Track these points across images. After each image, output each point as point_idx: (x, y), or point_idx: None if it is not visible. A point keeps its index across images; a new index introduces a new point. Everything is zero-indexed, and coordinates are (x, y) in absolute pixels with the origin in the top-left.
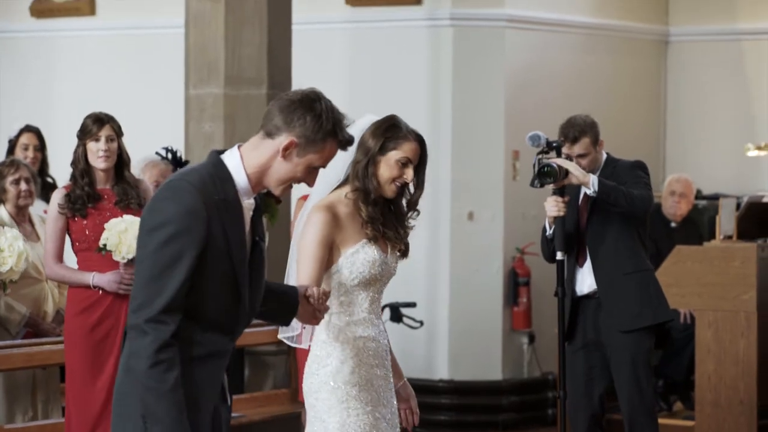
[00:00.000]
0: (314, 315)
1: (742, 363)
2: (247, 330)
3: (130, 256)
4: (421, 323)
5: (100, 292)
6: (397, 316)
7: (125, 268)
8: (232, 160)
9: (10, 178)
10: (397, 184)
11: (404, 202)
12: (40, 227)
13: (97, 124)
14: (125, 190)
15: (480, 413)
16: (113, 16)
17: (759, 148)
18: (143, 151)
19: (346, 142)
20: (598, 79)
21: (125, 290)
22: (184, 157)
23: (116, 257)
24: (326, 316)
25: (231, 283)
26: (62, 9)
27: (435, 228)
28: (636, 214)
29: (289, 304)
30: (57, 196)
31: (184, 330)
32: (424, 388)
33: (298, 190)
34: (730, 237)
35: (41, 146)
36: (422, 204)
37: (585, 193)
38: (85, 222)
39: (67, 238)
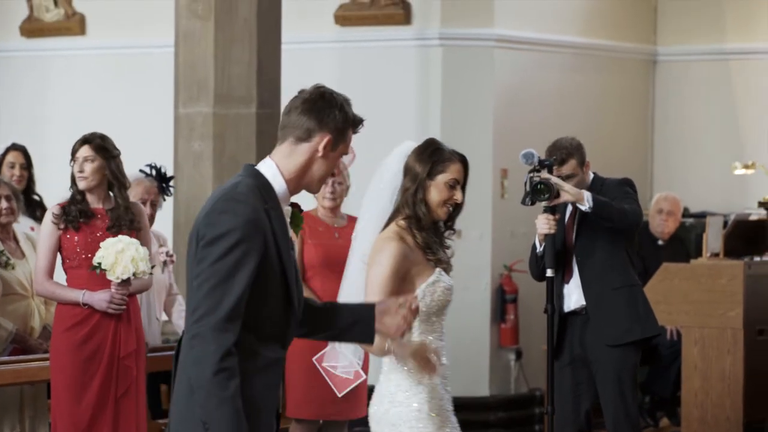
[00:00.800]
0: (398, 328)
1: (728, 380)
2: None
3: (125, 277)
4: None
5: (89, 309)
6: None
7: (117, 288)
8: (268, 170)
9: None
10: (449, 205)
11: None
12: (25, 244)
13: (77, 144)
14: (118, 215)
15: (468, 429)
16: (103, 35)
17: (746, 166)
18: (134, 170)
19: (360, 122)
20: (586, 99)
21: (115, 310)
22: (168, 174)
23: (110, 276)
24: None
25: (284, 291)
26: (52, 28)
27: None
28: (628, 228)
29: (368, 320)
30: (52, 210)
31: (243, 341)
32: None
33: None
34: (717, 255)
35: (27, 164)
36: None
37: (572, 211)
38: (76, 238)
39: (59, 256)
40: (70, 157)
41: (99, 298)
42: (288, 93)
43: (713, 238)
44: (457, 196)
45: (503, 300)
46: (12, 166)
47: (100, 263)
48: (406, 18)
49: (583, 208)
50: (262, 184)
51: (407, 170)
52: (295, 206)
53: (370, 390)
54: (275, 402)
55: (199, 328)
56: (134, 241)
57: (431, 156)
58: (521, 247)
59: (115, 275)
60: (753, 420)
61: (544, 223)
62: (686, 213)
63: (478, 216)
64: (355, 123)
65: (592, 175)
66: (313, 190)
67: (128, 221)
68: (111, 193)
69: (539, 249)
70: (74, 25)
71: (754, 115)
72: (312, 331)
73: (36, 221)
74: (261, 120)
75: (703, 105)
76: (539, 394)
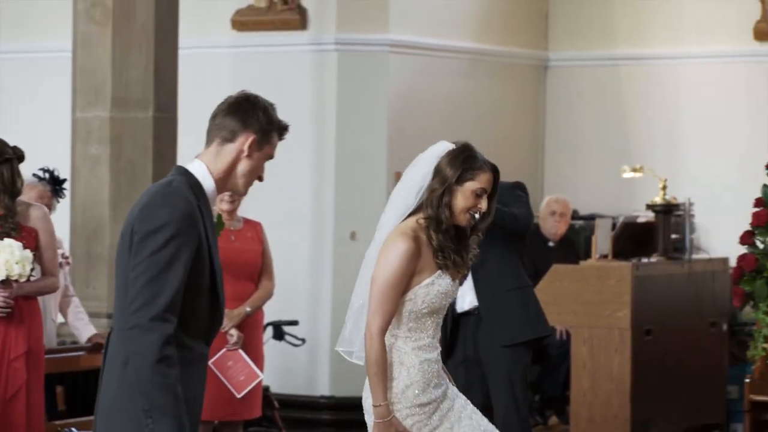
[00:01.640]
0: None
1: (616, 379)
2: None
3: (2, 277)
4: (303, 341)
5: None
6: (279, 333)
7: None
8: (198, 169)
9: None
10: (472, 213)
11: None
12: None
13: None
14: (5, 219)
15: (360, 429)
16: (1, 39)
17: (634, 170)
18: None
19: (286, 128)
20: (479, 103)
21: None
22: (62, 177)
23: None
24: (392, 339)
25: (211, 287)
26: None
27: (318, 247)
28: (518, 232)
29: None
30: None
31: (176, 334)
32: (305, 405)
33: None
34: (605, 256)
35: None
36: (306, 223)
37: None
38: None
39: None
40: None
41: None
42: (185, 97)
43: (602, 240)
44: (482, 204)
45: None
46: None
47: None
48: (302, 23)
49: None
50: (193, 182)
51: (437, 172)
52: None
53: (265, 390)
54: (202, 396)
55: (137, 318)
56: (13, 243)
57: (463, 162)
58: None
59: None
60: (640, 418)
61: None
62: (576, 215)
63: (373, 219)
64: (280, 127)
65: None
66: (240, 190)
67: (13, 225)
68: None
69: None
70: None
71: (642, 120)
72: None
73: None
74: (158, 124)
75: (593, 110)
76: None
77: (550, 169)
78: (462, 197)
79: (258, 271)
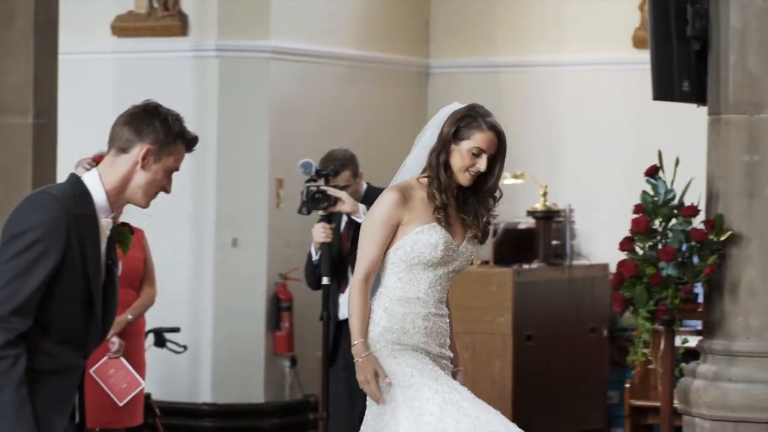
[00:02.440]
0: None
1: (497, 384)
2: None
3: None
4: (185, 348)
5: None
6: (160, 341)
7: None
8: (90, 178)
9: None
10: (471, 172)
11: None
12: None
13: None
14: None
15: None
16: None
17: (515, 176)
18: None
19: (192, 140)
20: (361, 110)
21: None
22: None
23: None
24: (382, 289)
25: (85, 299)
26: None
27: (199, 254)
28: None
29: None
30: None
31: (35, 339)
32: (187, 412)
33: None
34: (486, 262)
35: None
36: (187, 230)
37: (347, 220)
38: None
39: None
40: None
41: None
42: (65, 104)
43: (483, 246)
44: (480, 164)
45: (278, 308)
46: None
47: None
48: (182, 30)
49: (358, 220)
50: (79, 191)
51: (440, 132)
52: (125, 225)
53: (147, 397)
54: (67, 408)
55: None
56: None
57: (460, 121)
58: (296, 256)
59: None
60: (522, 424)
61: (321, 232)
62: None
63: (254, 225)
64: (185, 139)
65: (365, 186)
66: (140, 203)
67: None
68: None
69: (315, 257)
70: None
71: (523, 127)
72: None
73: None
74: (37, 131)
75: None
76: (314, 400)
77: None
78: (459, 156)
79: (140, 278)
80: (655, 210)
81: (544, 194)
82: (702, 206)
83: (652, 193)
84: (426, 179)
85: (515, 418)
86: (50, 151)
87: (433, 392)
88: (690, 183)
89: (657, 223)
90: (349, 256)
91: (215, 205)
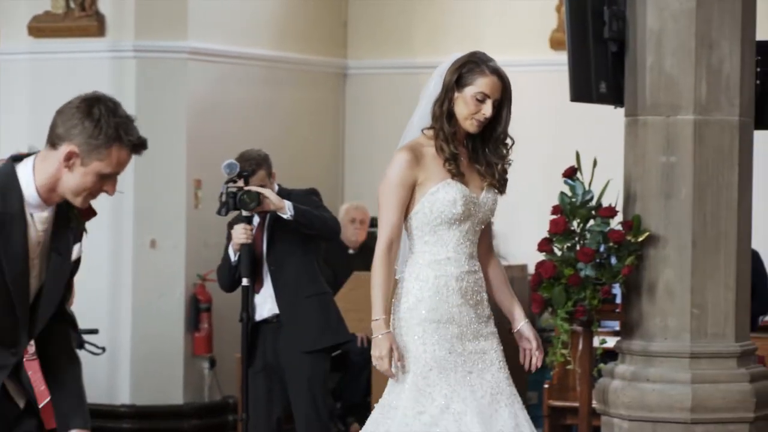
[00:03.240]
0: None
1: None
2: None
3: None
4: (103, 349)
5: None
6: (79, 342)
7: None
8: (24, 171)
9: None
10: (477, 119)
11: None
12: None
13: None
14: None
15: None
16: None
17: None
18: None
19: (135, 145)
20: (279, 111)
21: None
22: None
23: None
24: (410, 254)
25: (5, 296)
26: None
27: (117, 255)
28: (329, 235)
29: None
30: None
31: None
32: (106, 414)
33: None
34: None
35: None
36: (105, 231)
37: (259, 221)
38: None
39: None
40: None
41: None
42: None
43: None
44: (485, 110)
45: (197, 309)
46: None
47: None
48: (100, 30)
49: (285, 216)
50: (5, 186)
51: (443, 82)
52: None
53: None
54: None
55: None
56: None
57: (461, 67)
58: (215, 257)
59: None
60: None
61: (241, 233)
62: (374, 223)
63: (173, 226)
64: (121, 141)
65: (277, 187)
66: (74, 203)
67: None
68: None
69: (234, 259)
70: None
71: None
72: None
73: None
74: None
75: (391, 117)
76: (233, 402)
77: (350, 176)
78: (463, 103)
79: None
80: (573, 211)
81: None
82: (620, 207)
83: (570, 194)
84: (432, 131)
85: None
86: None
87: (442, 396)
88: (608, 184)
89: (575, 224)
90: (268, 256)
91: (133, 206)
